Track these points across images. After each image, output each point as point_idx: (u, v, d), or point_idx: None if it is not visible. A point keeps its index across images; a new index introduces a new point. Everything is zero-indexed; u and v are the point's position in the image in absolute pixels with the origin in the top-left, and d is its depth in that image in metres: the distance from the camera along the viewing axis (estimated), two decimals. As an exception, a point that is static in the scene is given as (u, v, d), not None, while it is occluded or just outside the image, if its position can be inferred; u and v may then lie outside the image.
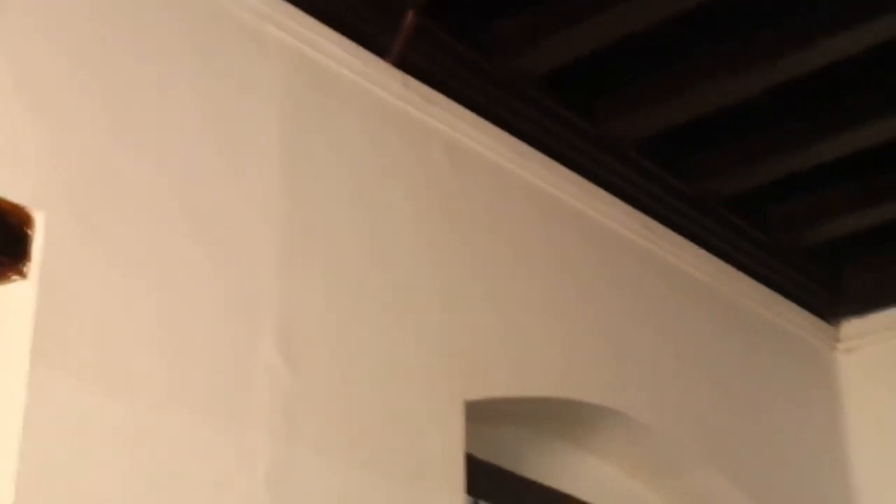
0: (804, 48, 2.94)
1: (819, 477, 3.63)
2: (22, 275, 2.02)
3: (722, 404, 3.38)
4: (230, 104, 2.44)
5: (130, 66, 2.28)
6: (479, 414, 2.75)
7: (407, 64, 2.77)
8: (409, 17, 2.75)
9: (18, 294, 2.02)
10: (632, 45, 2.93)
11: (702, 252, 3.46)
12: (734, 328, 3.53)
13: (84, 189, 2.14)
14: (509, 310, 2.89)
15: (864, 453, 3.71)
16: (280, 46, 2.56)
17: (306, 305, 2.45)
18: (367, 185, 2.67)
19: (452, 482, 2.61)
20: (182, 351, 2.21)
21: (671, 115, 3.16)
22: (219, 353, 2.26)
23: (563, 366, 2.97)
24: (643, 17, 2.83)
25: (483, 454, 2.87)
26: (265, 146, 2.48)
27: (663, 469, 3.27)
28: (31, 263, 2.03)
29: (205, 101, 2.40)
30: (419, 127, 2.81)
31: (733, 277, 3.55)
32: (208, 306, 2.27)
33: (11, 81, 2.08)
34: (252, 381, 2.30)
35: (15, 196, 2.04)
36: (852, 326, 3.83)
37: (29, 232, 2.04)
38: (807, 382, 3.74)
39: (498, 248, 2.92)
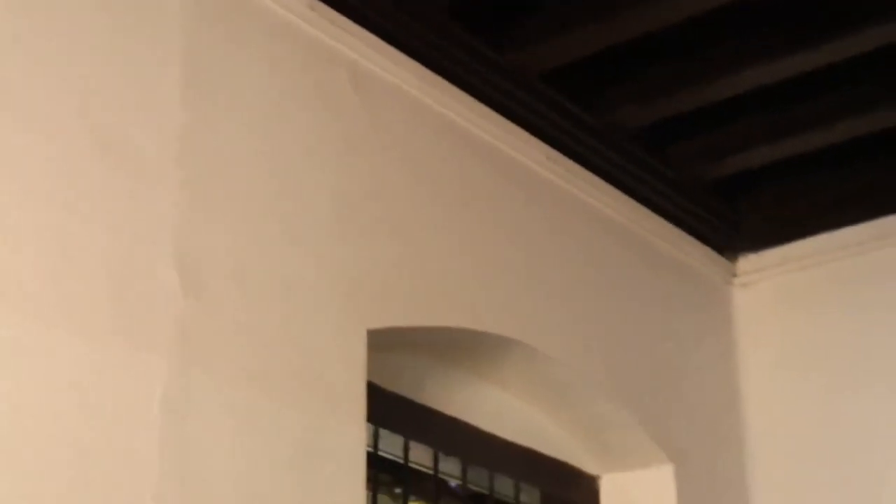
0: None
1: (712, 407, 3.70)
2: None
3: (621, 335, 3.42)
4: (132, 24, 2.39)
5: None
6: (382, 343, 2.74)
7: (313, -15, 2.73)
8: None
9: None
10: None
11: (605, 185, 3.48)
12: (635, 260, 3.57)
13: (-22, 105, 2.08)
14: (413, 239, 2.88)
15: (756, 385, 3.79)
16: (183, -35, 2.50)
17: (206, 228, 2.41)
18: (270, 107, 2.63)
19: (354, 410, 2.60)
20: (78, 272, 2.17)
21: (578, 47, 3.15)
22: (116, 275, 2.23)
23: (465, 296, 2.98)
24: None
25: (385, 383, 2.87)
26: (167, 66, 2.43)
27: (563, 399, 3.31)
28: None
29: (107, 20, 2.34)
30: (324, 50, 2.77)
31: (635, 210, 3.58)
32: (105, 227, 2.23)
33: None
34: (150, 303, 2.27)
35: None
36: (749, 261, 3.90)
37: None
38: (703, 315, 3.80)
39: (403, 176, 2.90)
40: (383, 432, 2.92)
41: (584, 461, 3.45)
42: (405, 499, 3.09)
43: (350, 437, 2.57)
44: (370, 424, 2.77)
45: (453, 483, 3.21)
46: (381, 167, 2.85)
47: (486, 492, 3.24)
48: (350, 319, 2.65)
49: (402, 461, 3.01)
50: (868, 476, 3.54)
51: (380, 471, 2.91)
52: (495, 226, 3.11)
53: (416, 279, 2.86)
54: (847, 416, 3.63)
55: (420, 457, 3.07)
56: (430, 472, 3.09)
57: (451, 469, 3.16)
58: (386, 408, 2.86)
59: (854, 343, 3.68)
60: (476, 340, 3.03)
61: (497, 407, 3.27)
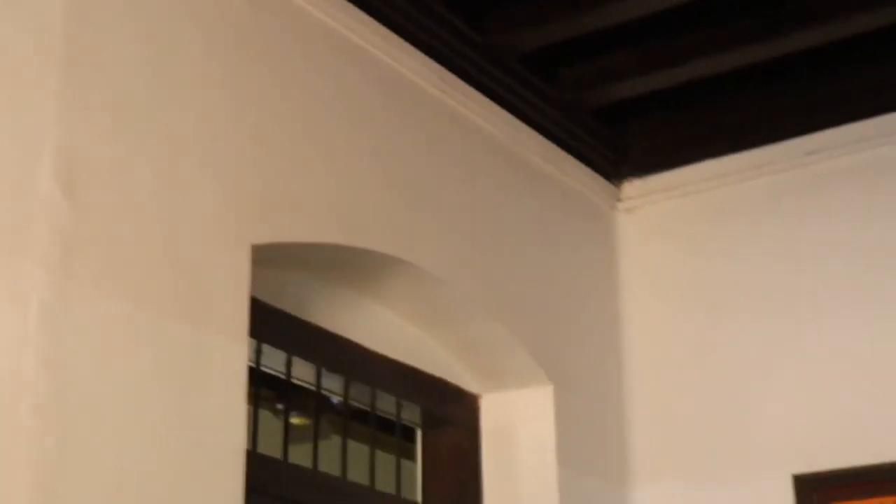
0: None
1: (592, 329, 3.76)
2: None
3: (505, 256, 3.45)
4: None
5: None
6: (267, 258, 2.73)
7: None
8: None
9: None
10: None
11: (494, 106, 3.48)
12: (521, 183, 3.59)
13: None
14: (300, 155, 2.86)
15: (636, 309, 3.86)
16: None
17: (88, 138, 2.36)
18: (154, 15, 2.57)
19: (236, 325, 2.59)
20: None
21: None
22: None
23: (351, 214, 2.97)
24: None
25: (269, 298, 2.86)
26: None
27: (446, 318, 3.33)
28: None
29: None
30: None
31: (523, 133, 3.60)
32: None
33: None
34: (29, 212, 2.22)
35: None
36: (633, 187, 3.95)
37: None
38: (587, 239, 3.85)
39: (292, 90, 2.87)
40: (266, 348, 2.91)
41: (465, 380, 3.48)
42: (287, 415, 3.09)
43: (231, 352, 2.56)
44: (252, 340, 2.76)
45: (335, 399, 3.23)
46: (271, 81, 2.81)
47: (367, 408, 3.27)
48: (234, 233, 2.63)
49: (284, 377, 3.01)
50: (736, 398, 3.64)
51: (261, 386, 2.91)
52: (380, 144, 3.10)
53: (302, 195, 2.84)
54: (720, 340, 3.72)
55: (302, 373, 3.07)
56: (313, 388, 3.10)
57: (333, 386, 3.17)
58: (269, 323, 2.85)
59: (729, 270, 3.76)
60: (361, 258, 3.02)
61: (381, 325, 3.28)
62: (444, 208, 3.26)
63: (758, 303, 3.68)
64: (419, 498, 3.42)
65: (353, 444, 3.18)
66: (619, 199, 3.95)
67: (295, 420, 3.15)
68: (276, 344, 2.94)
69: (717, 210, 3.82)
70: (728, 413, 3.64)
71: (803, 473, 3.46)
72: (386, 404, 3.32)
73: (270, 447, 2.93)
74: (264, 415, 2.96)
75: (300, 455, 3.03)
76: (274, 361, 2.98)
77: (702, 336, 3.76)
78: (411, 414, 3.42)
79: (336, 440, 3.19)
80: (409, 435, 3.47)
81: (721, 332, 3.72)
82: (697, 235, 3.85)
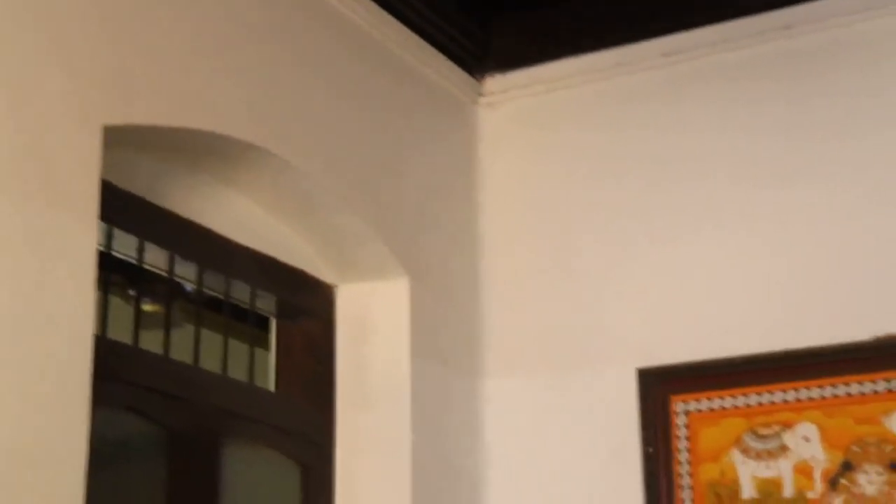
0: None
1: (451, 223, 3.78)
2: None
3: (365, 147, 3.43)
4: None
5: None
6: (120, 140, 2.66)
7: None
8: None
9: None
10: None
11: (355, -8, 3.43)
12: (383, 74, 3.55)
13: None
14: (158, 37, 2.77)
15: (494, 204, 3.88)
16: None
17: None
18: None
19: (86, 208, 2.52)
20: None
21: None
22: None
23: (209, 98, 2.90)
24: None
25: (121, 182, 2.79)
26: None
27: (303, 208, 3.30)
28: None
29: None
30: None
31: (386, 23, 3.55)
32: None
33: None
34: None
35: None
36: (495, 82, 3.94)
37: None
38: (448, 133, 3.84)
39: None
40: (117, 232, 2.85)
41: (321, 271, 3.47)
42: (138, 301, 3.04)
43: (81, 236, 2.49)
44: (103, 223, 2.70)
45: (188, 287, 3.19)
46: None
47: (221, 297, 3.23)
48: (85, 113, 2.55)
49: (135, 262, 2.96)
50: (589, 295, 3.71)
51: (112, 272, 2.85)
52: (240, 31, 3.02)
53: (158, 78, 2.76)
54: (576, 239, 3.77)
55: (155, 259, 3.02)
56: (165, 274, 3.05)
57: (186, 272, 3.13)
58: (121, 207, 2.79)
59: (588, 168, 3.80)
60: (218, 144, 2.96)
61: (237, 213, 3.23)
62: (303, 97, 3.21)
63: (615, 203, 3.73)
64: (272, 387, 3.41)
65: (206, 333, 3.15)
66: (480, 94, 3.94)
67: (147, 307, 3.10)
68: (128, 229, 2.88)
69: (578, 108, 3.84)
70: (580, 310, 3.71)
71: (647, 367, 3.55)
72: (240, 293, 3.29)
73: (121, 334, 2.88)
74: (115, 301, 2.90)
75: (152, 342, 2.99)
76: (126, 247, 2.92)
77: (558, 234, 3.80)
78: (266, 303, 3.40)
79: (189, 328, 3.16)
80: (263, 324, 3.45)
81: (577, 231, 3.77)
82: (557, 133, 3.87)
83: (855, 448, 3.31)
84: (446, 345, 3.65)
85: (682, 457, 3.47)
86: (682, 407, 3.50)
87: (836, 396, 3.35)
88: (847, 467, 3.32)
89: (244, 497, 3.18)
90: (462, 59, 3.86)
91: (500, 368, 3.76)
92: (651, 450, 3.50)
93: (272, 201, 3.29)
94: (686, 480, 3.45)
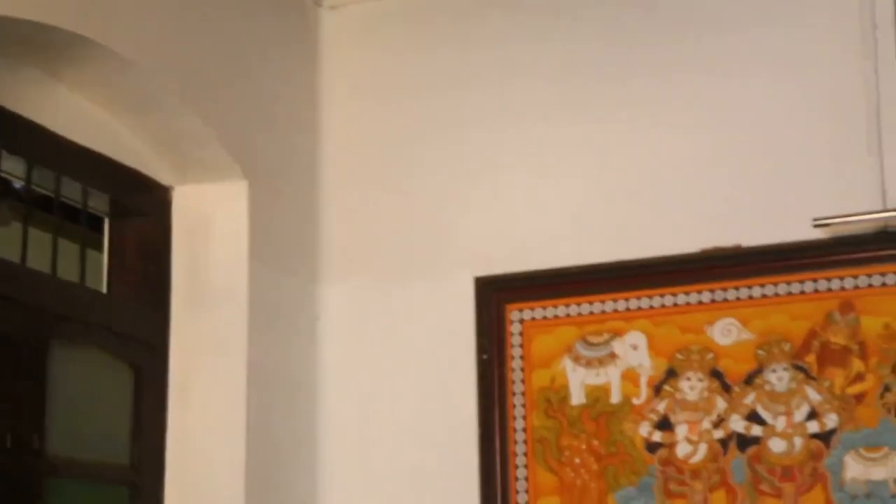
0: None
1: (291, 128, 3.74)
2: None
3: (204, 45, 3.35)
4: None
5: None
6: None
7: None
8: None
9: None
10: None
11: None
12: (224, -29, 3.48)
13: None
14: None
15: (336, 108, 3.86)
16: None
17: None
18: None
19: None
20: None
21: None
22: None
23: (38, -13, 2.80)
24: None
25: (-57, 72, 2.69)
26: None
27: (139, 105, 3.22)
28: None
29: None
30: None
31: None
32: None
33: None
34: None
35: None
36: (339, -16, 3.90)
37: None
38: (290, 35, 3.78)
39: None
40: (-61, 125, 2.75)
41: (157, 171, 3.41)
42: (-37, 197, 2.95)
43: None
44: (-76, 115, 2.60)
45: (17, 184, 3.10)
46: None
47: (52, 195, 3.15)
48: None
49: (-40, 157, 2.86)
50: (431, 202, 3.73)
51: (-66, 165, 2.76)
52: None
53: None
54: (419, 147, 3.77)
55: (-20, 154, 2.92)
56: (-8, 170, 2.96)
57: (14, 169, 3.04)
58: (-57, 99, 2.69)
59: (433, 75, 3.79)
60: (47, 35, 2.86)
61: (69, 109, 3.14)
62: (140, -10, 3.12)
63: (460, 111, 3.73)
64: (104, 288, 3.36)
65: (35, 232, 3.07)
66: (324, -4, 3.90)
67: (-28, 204, 3.01)
68: (-49, 121, 2.78)
69: (422, 12, 3.81)
70: (421, 217, 3.73)
71: (484, 276, 3.60)
72: (72, 191, 3.21)
73: (-56, 230, 2.80)
74: (-63, 196, 2.81)
75: (-23, 240, 2.91)
76: (-51, 140, 2.82)
77: (401, 141, 3.80)
78: (99, 202, 3.33)
79: (17, 227, 3.07)
80: (96, 224, 3.38)
81: (420, 138, 3.77)
82: (400, 37, 3.84)
83: (679, 356, 3.42)
84: (286, 248, 3.63)
85: (516, 363, 3.54)
86: (518, 315, 3.57)
87: (663, 306, 3.45)
88: (671, 374, 3.43)
89: (74, 401, 3.13)
90: (306, -40, 3.80)
91: (339, 274, 3.77)
92: (486, 356, 3.56)
93: (107, 98, 3.20)
94: (518, 387, 3.53)
